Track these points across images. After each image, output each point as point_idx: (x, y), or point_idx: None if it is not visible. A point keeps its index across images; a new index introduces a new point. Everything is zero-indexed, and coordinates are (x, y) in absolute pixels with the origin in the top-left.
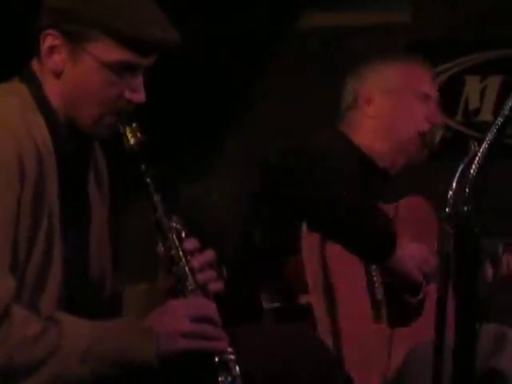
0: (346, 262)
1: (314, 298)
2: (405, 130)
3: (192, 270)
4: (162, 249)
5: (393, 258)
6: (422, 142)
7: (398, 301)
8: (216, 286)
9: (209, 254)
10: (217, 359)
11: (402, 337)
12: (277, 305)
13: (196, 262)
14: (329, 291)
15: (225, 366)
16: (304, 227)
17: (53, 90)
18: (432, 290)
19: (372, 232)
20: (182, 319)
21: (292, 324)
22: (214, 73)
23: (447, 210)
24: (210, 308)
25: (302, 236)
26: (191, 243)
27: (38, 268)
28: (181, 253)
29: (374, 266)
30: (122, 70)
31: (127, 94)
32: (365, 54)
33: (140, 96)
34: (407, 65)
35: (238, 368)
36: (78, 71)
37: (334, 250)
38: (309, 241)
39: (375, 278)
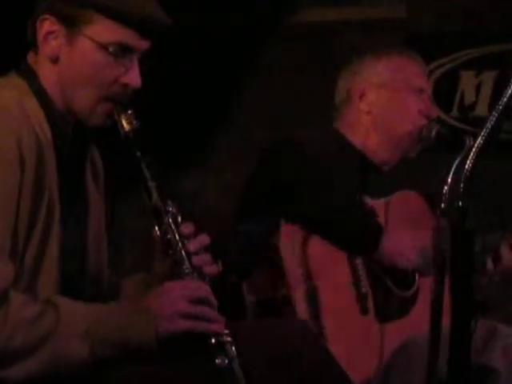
0: (328, 256)
1: (294, 295)
2: (399, 124)
3: (188, 254)
4: (158, 233)
5: (379, 251)
6: (417, 136)
7: (387, 294)
8: (211, 269)
9: (204, 238)
10: (213, 341)
11: (395, 330)
12: (254, 299)
13: (192, 246)
14: (310, 287)
15: (221, 348)
16: (283, 224)
17: (50, 78)
18: (426, 282)
19: (357, 224)
20: (179, 300)
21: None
22: (210, 67)
23: (442, 205)
24: (206, 290)
25: (281, 232)
26: (187, 227)
27: (35, 254)
28: (177, 237)
29: (358, 260)
30: (118, 51)
31: (123, 78)
32: (359, 48)
33: (136, 80)
34: (400, 59)
35: (234, 349)
36: (74, 54)
37: (316, 245)
38: (289, 237)
39: (360, 272)
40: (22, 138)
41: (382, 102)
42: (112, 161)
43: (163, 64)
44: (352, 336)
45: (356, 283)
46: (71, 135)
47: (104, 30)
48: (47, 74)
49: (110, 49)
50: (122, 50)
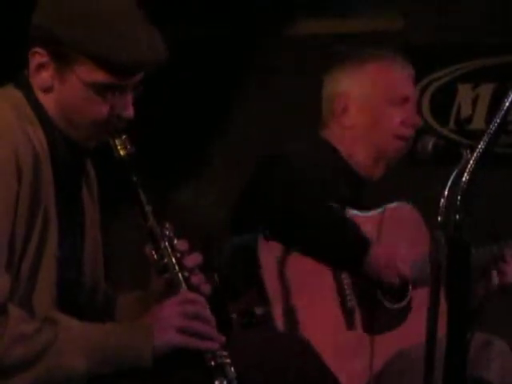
0: (310, 272)
1: (274, 310)
2: (381, 136)
3: (185, 278)
4: (155, 256)
5: (365, 265)
6: (406, 146)
7: (376, 307)
8: (206, 288)
9: (197, 257)
10: (213, 363)
11: (386, 342)
12: (234, 316)
13: (187, 266)
14: (289, 302)
15: (220, 370)
16: (261, 238)
17: (47, 102)
18: (420, 294)
19: (343, 240)
20: (174, 315)
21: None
22: (204, 82)
23: (439, 218)
24: (203, 305)
25: (259, 248)
26: (182, 244)
27: (31, 265)
28: (174, 260)
29: (343, 274)
30: (105, 90)
31: (116, 111)
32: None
33: (129, 112)
34: (382, 65)
35: (233, 371)
36: (64, 89)
37: (296, 261)
38: (268, 252)
39: (345, 286)
40: (19, 149)
41: (364, 117)
42: (105, 174)
43: (152, 82)
44: (337, 351)
45: (341, 298)
46: (68, 149)
47: (90, 70)
48: (44, 98)
49: (97, 88)
50: (110, 89)
